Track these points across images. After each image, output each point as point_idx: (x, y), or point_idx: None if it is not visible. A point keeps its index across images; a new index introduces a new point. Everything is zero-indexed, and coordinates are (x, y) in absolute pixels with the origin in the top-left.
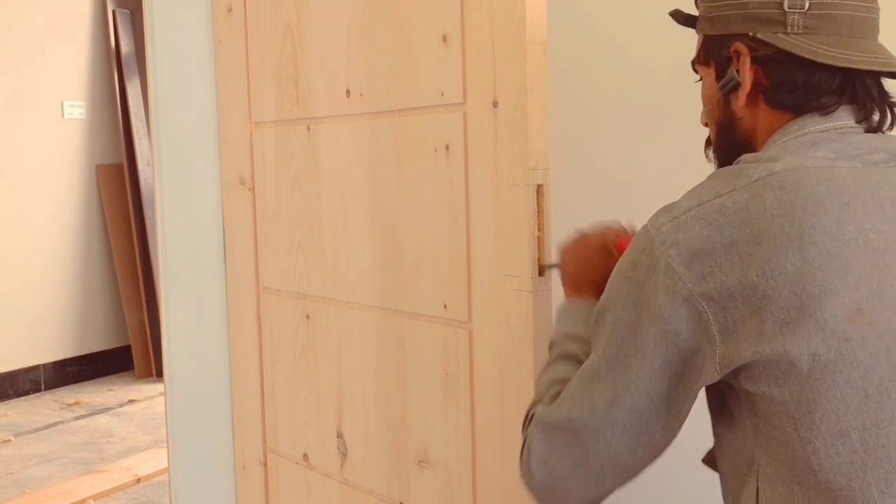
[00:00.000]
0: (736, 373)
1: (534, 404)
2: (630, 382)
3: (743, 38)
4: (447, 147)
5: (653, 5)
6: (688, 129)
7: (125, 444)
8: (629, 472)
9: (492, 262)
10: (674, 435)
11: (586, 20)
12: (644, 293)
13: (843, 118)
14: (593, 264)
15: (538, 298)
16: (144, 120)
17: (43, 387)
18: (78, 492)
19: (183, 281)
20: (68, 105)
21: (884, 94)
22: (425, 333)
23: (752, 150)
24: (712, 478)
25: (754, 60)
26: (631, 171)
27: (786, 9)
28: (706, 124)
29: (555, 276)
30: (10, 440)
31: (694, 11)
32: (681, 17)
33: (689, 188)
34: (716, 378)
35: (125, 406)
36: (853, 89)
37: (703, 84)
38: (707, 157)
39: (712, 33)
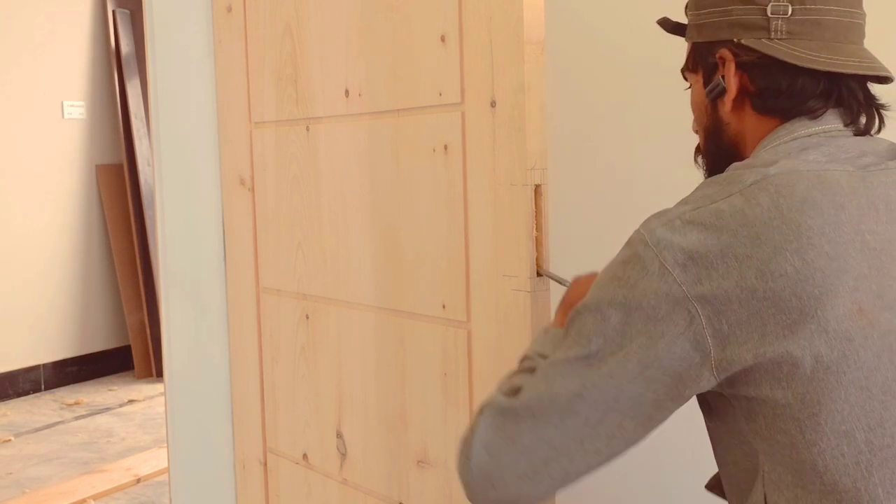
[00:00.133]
0: (732, 379)
1: (489, 398)
2: (602, 379)
3: (728, 44)
4: (445, 147)
5: (651, 5)
6: (686, 129)
7: (125, 444)
8: (571, 472)
9: (490, 262)
10: (633, 443)
11: (584, 20)
12: (634, 294)
13: (831, 122)
14: None
15: (536, 298)
16: (144, 120)
17: (43, 387)
18: (78, 492)
19: (183, 281)
20: (68, 105)
21: (870, 97)
22: (424, 333)
23: (741, 155)
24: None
25: (739, 66)
26: (629, 171)
27: (769, 14)
28: (697, 132)
29: (554, 288)
30: (10, 440)
31: (683, 19)
32: (669, 26)
33: (688, 188)
34: (712, 384)
35: (125, 406)
36: (839, 93)
37: (691, 91)
38: (696, 163)
39: (700, 40)
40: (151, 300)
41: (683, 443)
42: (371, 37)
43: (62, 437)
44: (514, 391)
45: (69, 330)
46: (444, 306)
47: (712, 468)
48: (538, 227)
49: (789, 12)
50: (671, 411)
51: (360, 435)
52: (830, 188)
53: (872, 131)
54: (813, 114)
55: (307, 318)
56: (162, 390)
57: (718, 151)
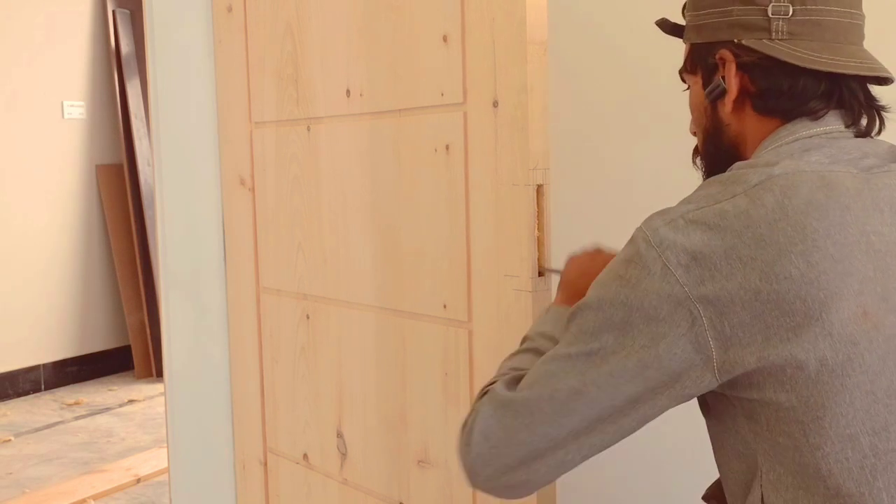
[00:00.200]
0: (734, 381)
1: (490, 383)
2: (602, 378)
3: (728, 44)
4: (447, 147)
5: (654, 6)
6: (688, 129)
7: (125, 444)
8: (568, 462)
9: (491, 262)
10: (622, 437)
11: (587, 20)
12: (636, 294)
13: (833, 123)
14: None
15: (537, 298)
16: (144, 120)
17: (43, 387)
18: (78, 492)
19: (183, 281)
20: (68, 105)
21: (870, 98)
22: (425, 333)
23: (740, 157)
24: (713, 477)
25: (740, 67)
26: (631, 171)
27: (770, 15)
28: (695, 133)
29: (553, 280)
30: (10, 440)
31: (681, 21)
32: (667, 27)
33: (690, 188)
34: (713, 386)
35: (125, 406)
36: (840, 94)
37: (690, 92)
38: (695, 165)
39: (699, 41)
40: (151, 300)
41: (683, 443)
42: (372, 36)
43: (62, 437)
44: (514, 382)
45: (69, 330)
46: (445, 306)
47: (712, 468)
48: (540, 227)
49: (790, 13)
50: (667, 408)
51: (361, 435)
52: (835, 190)
53: (873, 133)
54: (814, 115)
55: (307, 318)
56: (162, 390)
57: (718, 153)
